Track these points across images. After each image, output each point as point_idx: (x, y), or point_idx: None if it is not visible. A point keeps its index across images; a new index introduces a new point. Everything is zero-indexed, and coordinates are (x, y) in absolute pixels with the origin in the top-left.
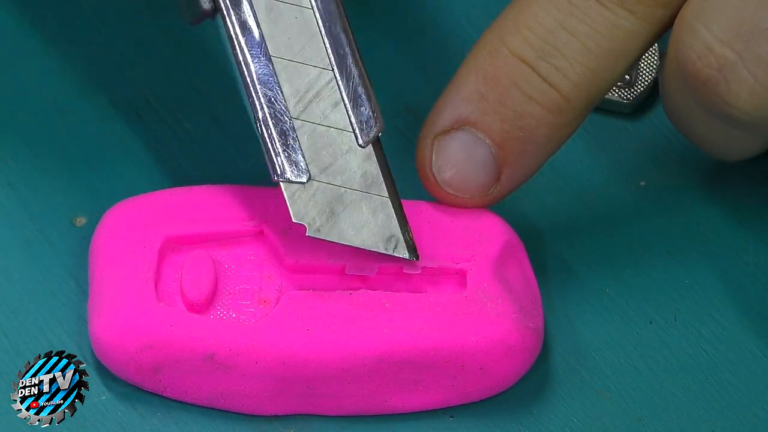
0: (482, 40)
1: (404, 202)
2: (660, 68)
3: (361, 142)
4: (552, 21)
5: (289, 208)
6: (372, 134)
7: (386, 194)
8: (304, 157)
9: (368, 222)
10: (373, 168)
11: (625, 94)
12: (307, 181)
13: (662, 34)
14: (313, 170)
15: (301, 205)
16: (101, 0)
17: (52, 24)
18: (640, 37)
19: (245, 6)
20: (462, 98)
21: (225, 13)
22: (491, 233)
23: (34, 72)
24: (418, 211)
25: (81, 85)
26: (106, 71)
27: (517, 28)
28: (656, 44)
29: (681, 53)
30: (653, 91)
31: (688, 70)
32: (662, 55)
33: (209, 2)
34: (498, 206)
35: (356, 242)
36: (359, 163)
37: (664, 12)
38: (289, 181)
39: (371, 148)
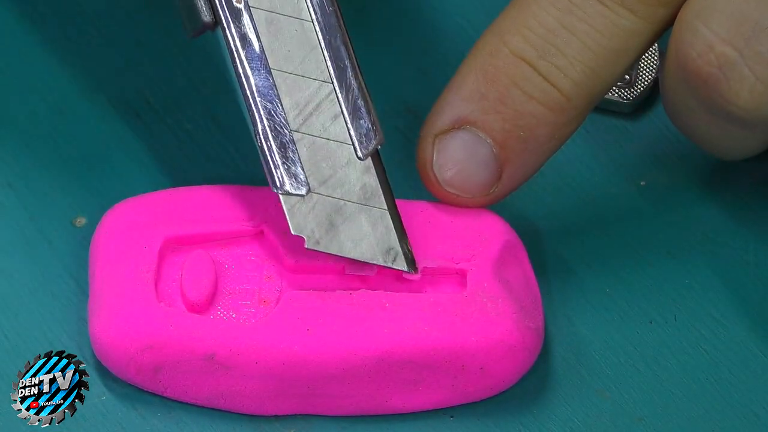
0: (482, 40)
1: (404, 201)
2: (660, 68)
3: (360, 154)
4: (552, 20)
5: (289, 221)
6: (371, 147)
7: (385, 207)
8: (303, 170)
9: (367, 234)
10: (372, 180)
11: (625, 94)
12: (307, 193)
13: (663, 33)
14: (313, 183)
15: (301, 217)
16: (101, 0)
17: (52, 24)
18: (640, 36)
19: (245, 19)
20: (462, 98)
21: (225, 25)
22: (491, 233)
23: (34, 72)
24: (419, 211)
25: (81, 85)
26: (106, 71)
27: (517, 27)
28: (656, 44)
29: (681, 51)
30: (653, 91)
31: (688, 68)
32: (662, 55)
33: (209, 15)
34: (498, 206)
35: (355, 255)
36: (358, 175)
37: (665, 11)
38: (289, 194)
39: (370, 161)
